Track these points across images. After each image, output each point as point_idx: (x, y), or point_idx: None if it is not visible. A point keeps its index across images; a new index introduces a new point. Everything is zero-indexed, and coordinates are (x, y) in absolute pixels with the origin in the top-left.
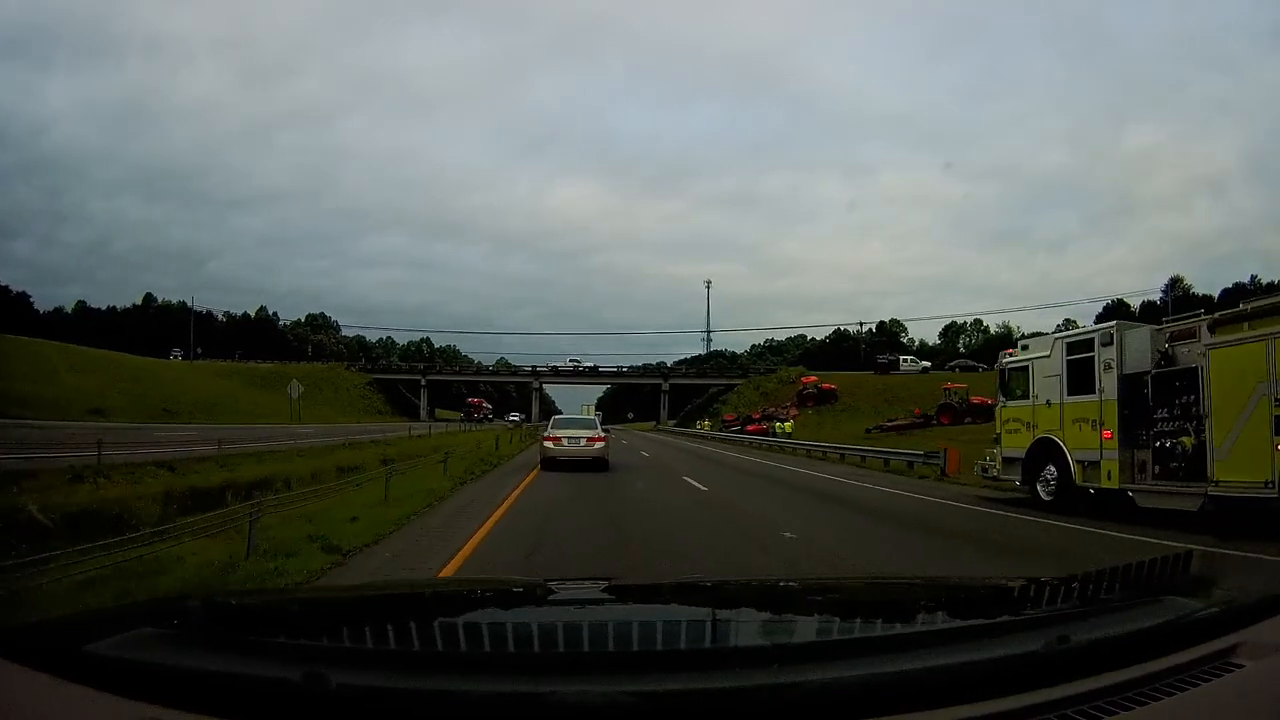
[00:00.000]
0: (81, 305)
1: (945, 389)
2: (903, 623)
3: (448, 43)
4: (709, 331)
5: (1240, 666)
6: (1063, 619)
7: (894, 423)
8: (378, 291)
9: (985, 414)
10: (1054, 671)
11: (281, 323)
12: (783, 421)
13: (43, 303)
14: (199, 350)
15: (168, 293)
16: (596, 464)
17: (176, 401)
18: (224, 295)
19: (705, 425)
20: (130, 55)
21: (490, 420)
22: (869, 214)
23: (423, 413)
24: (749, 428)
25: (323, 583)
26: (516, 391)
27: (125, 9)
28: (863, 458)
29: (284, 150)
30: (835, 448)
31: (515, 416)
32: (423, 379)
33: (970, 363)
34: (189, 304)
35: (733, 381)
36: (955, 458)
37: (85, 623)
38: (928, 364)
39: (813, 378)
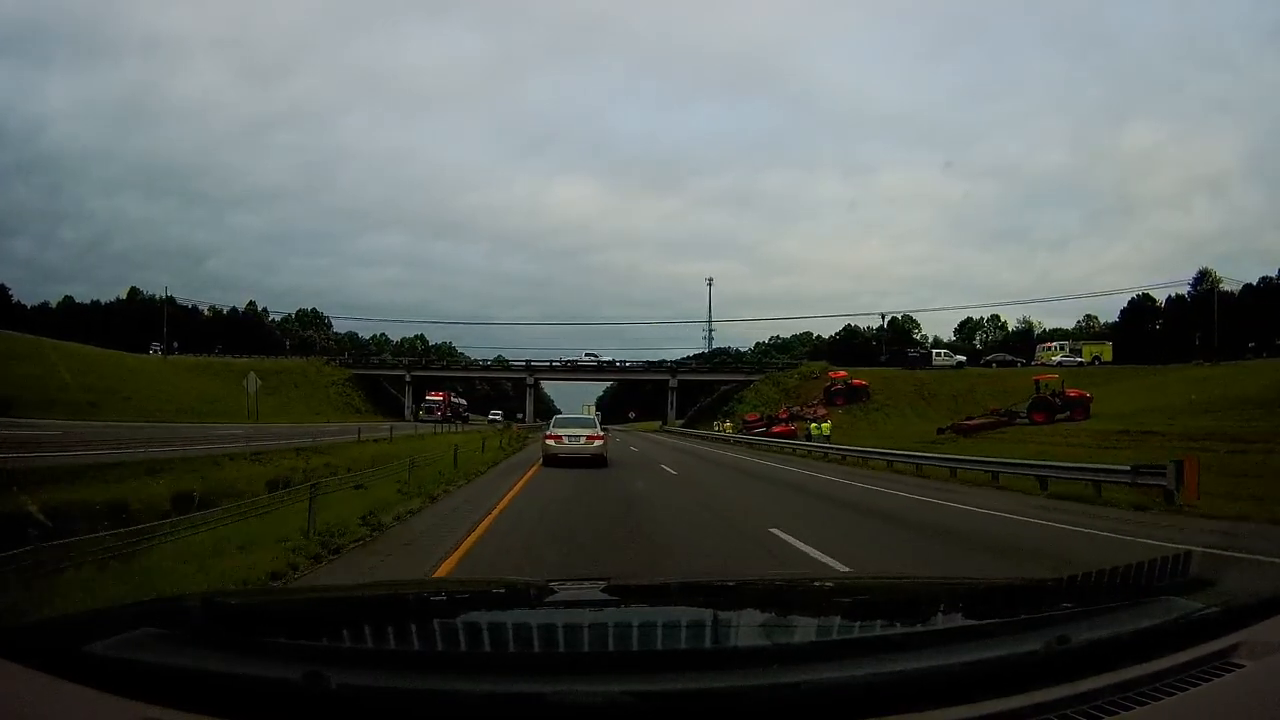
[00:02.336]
0: (68, 300)
1: (1036, 381)
2: (903, 623)
3: (447, 42)
4: (710, 322)
5: (1241, 666)
6: (1063, 619)
7: (972, 421)
8: (377, 290)
9: (1082, 408)
10: (1054, 671)
11: (271, 318)
12: (817, 422)
13: (39, 299)
14: (175, 344)
15: (168, 290)
16: (596, 461)
17: (116, 395)
18: (224, 293)
19: (726, 427)
20: (129, 54)
21: (465, 420)
22: (869, 213)
23: (407, 411)
24: (775, 429)
25: (323, 583)
26: (514, 390)
27: (124, 8)
28: (994, 474)
29: (283, 149)
30: (934, 460)
31: (497, 415)
32: (407, 375)
33: (1008, 356)
34: (174, 298)
35: (748, 378)
36: (1194, 476)
37: (85, 623)
38: (963, 359)
39: (841, 373)
